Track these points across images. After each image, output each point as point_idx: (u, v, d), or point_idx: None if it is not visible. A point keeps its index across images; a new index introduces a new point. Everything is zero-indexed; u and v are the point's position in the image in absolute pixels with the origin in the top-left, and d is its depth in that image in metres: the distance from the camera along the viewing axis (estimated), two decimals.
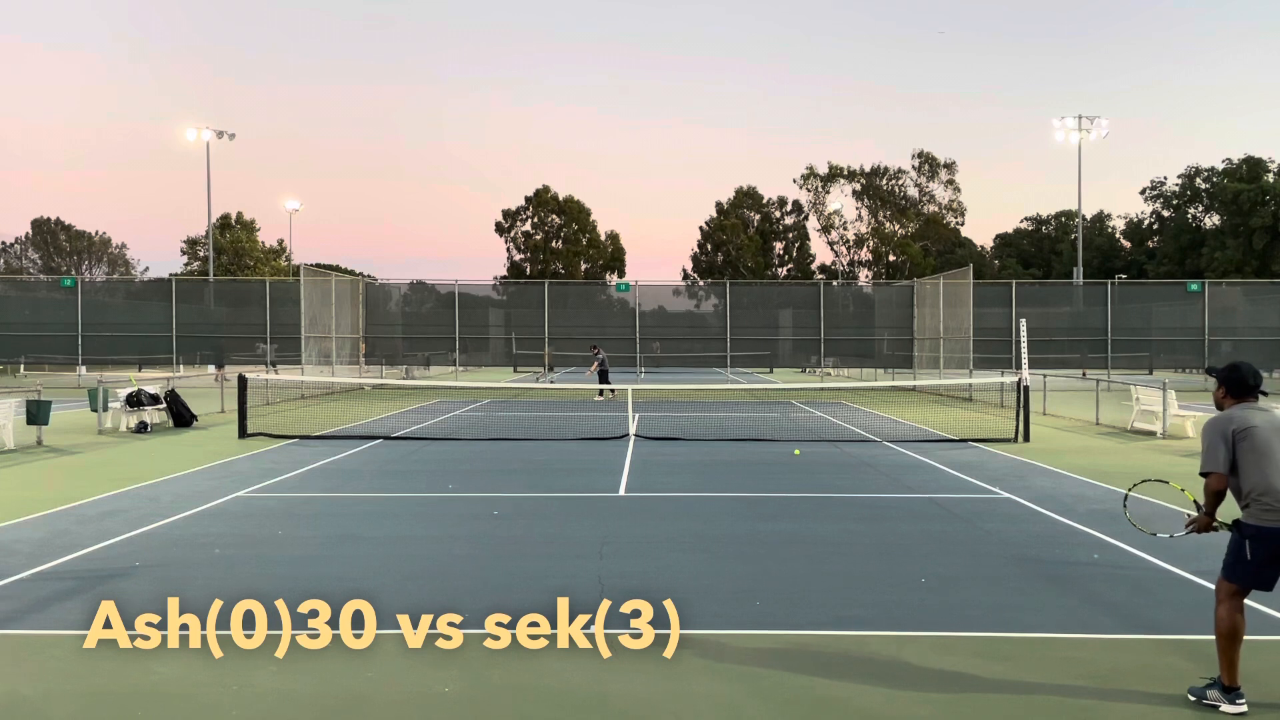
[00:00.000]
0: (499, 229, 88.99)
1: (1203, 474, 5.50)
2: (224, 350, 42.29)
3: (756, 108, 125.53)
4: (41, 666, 5.92)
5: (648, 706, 5.30)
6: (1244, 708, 5.27)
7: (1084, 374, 35.08)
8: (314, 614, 6.97)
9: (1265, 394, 5.55)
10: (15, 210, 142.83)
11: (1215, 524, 5.55)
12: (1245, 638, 6.39)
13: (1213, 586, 7.61)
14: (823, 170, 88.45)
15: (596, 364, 30.48)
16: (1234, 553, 5.49)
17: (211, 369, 40.14)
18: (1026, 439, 17.76)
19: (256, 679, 5.68)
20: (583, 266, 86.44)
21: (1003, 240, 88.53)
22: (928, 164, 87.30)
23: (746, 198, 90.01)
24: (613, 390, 29.07)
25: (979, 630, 6.63)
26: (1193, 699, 5.39)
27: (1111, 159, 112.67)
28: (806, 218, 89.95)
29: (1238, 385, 5.62)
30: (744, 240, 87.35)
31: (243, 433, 18.21)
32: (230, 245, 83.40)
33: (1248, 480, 5.42)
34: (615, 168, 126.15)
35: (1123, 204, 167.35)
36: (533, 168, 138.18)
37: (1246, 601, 7.19)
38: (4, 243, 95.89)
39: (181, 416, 20.39)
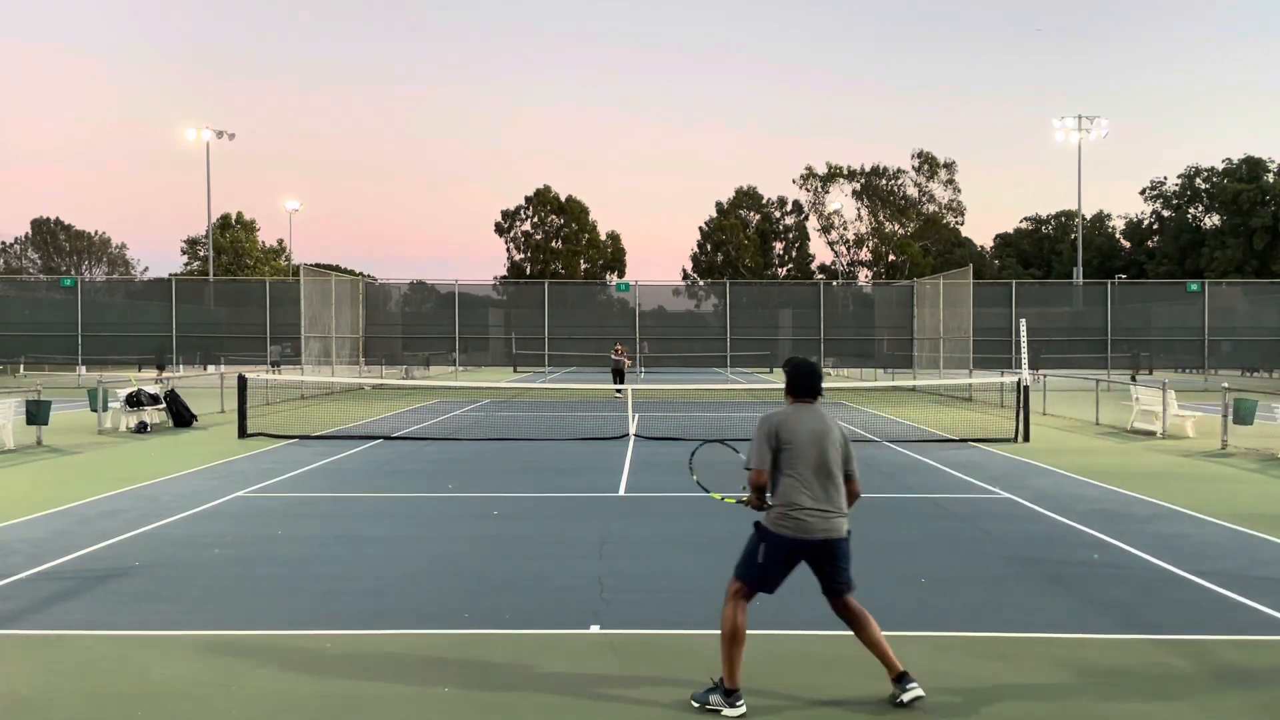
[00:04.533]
0: (499, 229, 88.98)
1: (746, 469, 5.59)
2: (164, 350, 40.63)
3: (756, 108, 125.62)
4: (41, 666, 5.91)
5: (648, 706, 5.29)
6: (743, 709, 5.17)
7: (1134, 376, 34.63)
8: (314, 614, 6.98)
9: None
10: (15, 210, 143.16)
11: (764, 506, 5.59)
12: (1248, 638, 6.42)
13: (1213, 587, 7.64)
14: (822, 170, 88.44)
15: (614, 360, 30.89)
16: (749, 552, 5.57)
17: (155, 373, 36.44)
18: (1026, 439, 17.76)
19: (256, 679, 5.68)
20: (582, 266, 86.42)
21: (1003, 240, 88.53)
22: (928, 164, 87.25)
23: (746, 198, 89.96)
24: (619, 391, 29.19)
25: (979, 630, 6.63)
26: (696, 705, 5.24)
27: (1111, 159, 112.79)
28: (806, 218, 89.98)
29: (793, 385, 5.65)
30: (744, 240, 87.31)
31: (243, 433, 18.21)
32: (230, 245, 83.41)
33: (777, 485, 5.50)
34: (615, 167, 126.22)
35: (1123, 204, 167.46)
36: (533, 167, 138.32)
37: (1251, 602, 7.23)
38: (4, 243, 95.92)
39: (181, 416, 20.39)
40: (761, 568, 5.50)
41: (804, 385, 5.62)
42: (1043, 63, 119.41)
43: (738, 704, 5.18)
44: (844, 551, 5.52)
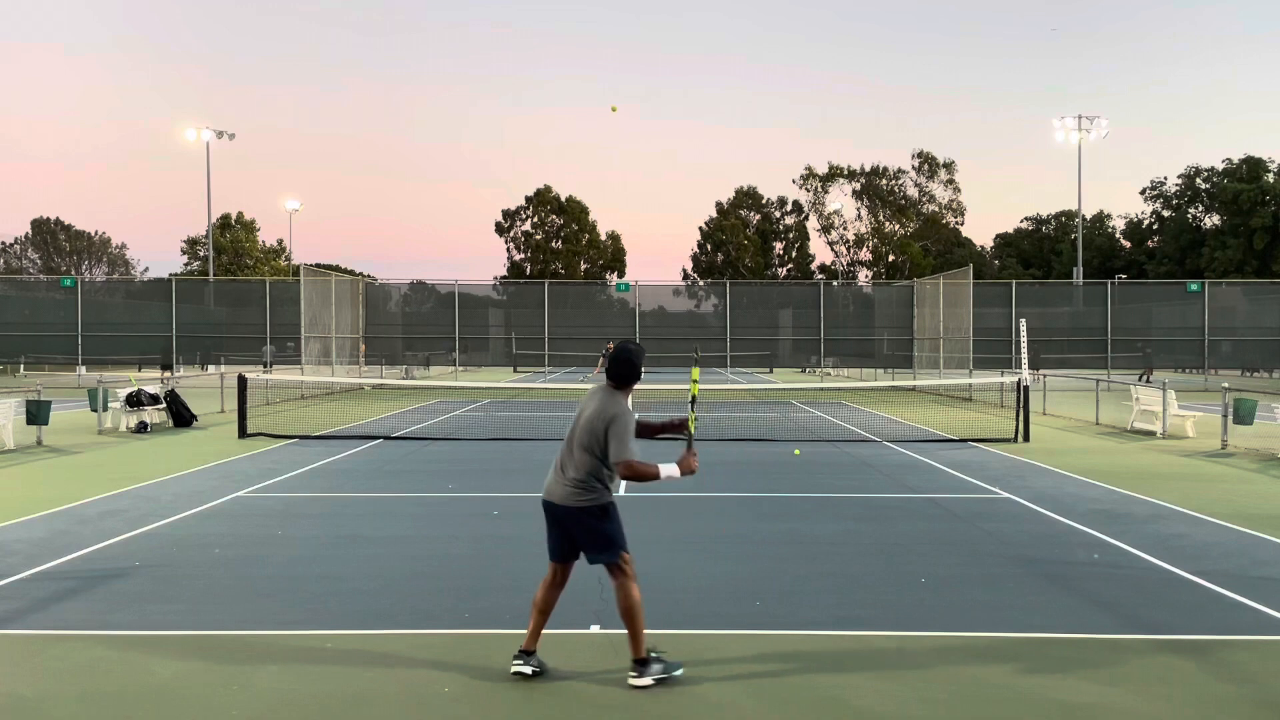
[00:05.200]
0: (499, 229, 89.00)
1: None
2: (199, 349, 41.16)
3: (757, 108, 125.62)
4: (41, 666, 5.91)
5: (647, 707, 5.29)
6: (520, 668, 5.67)
7: (1147, 377, 34.81)
8: (314, 614, 6.98)
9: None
10: (15, 210, 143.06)
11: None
12: (1248, 638, 6.47)
13: (1213, 587, 7.65)
14: (822, 170, 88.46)
15: (602, 360, 31.23)
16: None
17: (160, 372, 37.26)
18: (1026, 439, 17.76)
19: (256, 679, 5.68)
20: (583, 266, 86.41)
21: (1003, 240, 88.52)
22: (927, 164, 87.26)
23: (746, 198, 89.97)
24: None
25: (979, 630, 6.62)
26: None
27: (1111, 159, 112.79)
28: (806, 218, 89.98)
29: (608, 368, 5.90)
30: (744, 240, 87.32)
31: (243, 433, 18.20)
32: (230, 245, 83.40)
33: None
34: (615, 167, 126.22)
35: (1123, 204, 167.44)
36: (533, 167, 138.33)
37: (1251, 602, 7.25)
38: (4, 243, 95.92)
39: (181, 416, 20.38)
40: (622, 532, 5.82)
41: (612, 370, 5.86)
42: (1043, 63, 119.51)
43: (529, 664, 5.68)
44: (571, 517, 5.77)
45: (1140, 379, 35.45)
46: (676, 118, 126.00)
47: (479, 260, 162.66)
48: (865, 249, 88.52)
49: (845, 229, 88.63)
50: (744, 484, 12.91)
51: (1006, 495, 12.02)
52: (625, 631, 5.63)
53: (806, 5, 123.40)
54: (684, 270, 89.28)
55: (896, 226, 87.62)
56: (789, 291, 51.17)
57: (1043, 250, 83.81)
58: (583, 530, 5.73)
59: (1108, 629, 6.64)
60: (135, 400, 19.41)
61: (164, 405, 20.28)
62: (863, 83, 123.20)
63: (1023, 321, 21.34)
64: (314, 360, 31.37)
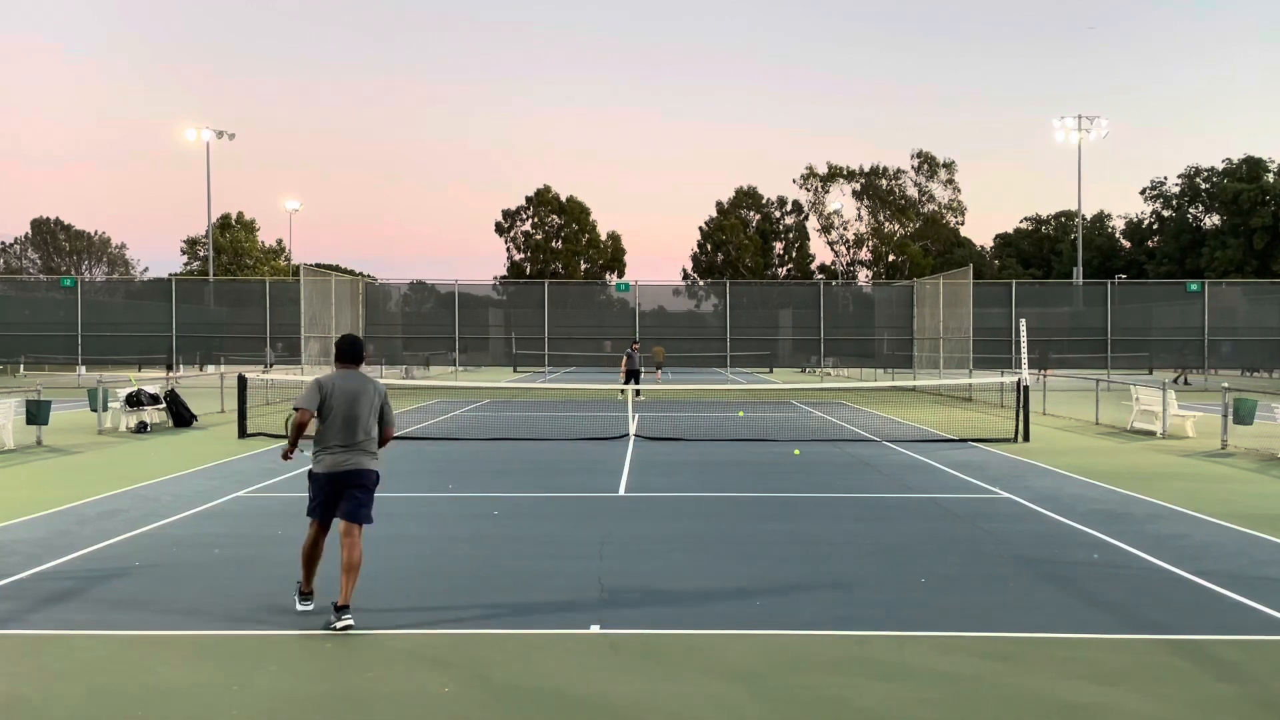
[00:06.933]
0: (499, 229, 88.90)
1: (295, 409, 6.79)
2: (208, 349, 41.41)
3: (757, 107, 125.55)
4: (41, 666, 5.92)
5: (648, 707, 5.29)
6: (310, 607, 6.81)
7: (1183, 378, 34.98)
8: (315, 614, 6.98)
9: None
10: (15, 210, 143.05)
11: (291, 457, 6.89)
12: (1248, 638, 6.49)
13: (1213, 587, 7.66)
14: (822, 170, 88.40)
15: (625, 360, 30.89)
16: (310, 494, 6.91)
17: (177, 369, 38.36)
18: (1026, 439, 17.76)
19: (256, 679, 5.68)
20: (582, 266, 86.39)
21: (1003, 240, 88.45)
22: (927, 164, 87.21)
23: (746, 197, 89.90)
24: (637, 391, 29.07)
25: (979, 630, 6.62)
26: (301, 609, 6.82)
27: (1111, 159, 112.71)
28: (806, 218, 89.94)
29: (338, 354, 7.09)
30: (744, 240, 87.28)
31: (242, 433, 18.21)
32: (230, 245, 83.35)
33: (324, 432, 6.78)
34: (615, 167, 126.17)
35: (1123, 204, 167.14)
36: (533, 167, 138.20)
37: (1251, 602, 7.27)
38: (4, 243, 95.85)
39: (181, 416, 20.38)
40: (314, 501, 6.85)
41: (345, 353, 7.02)
42: (1042, 63, 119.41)
43: (306, 602, 6.85)
44: (364, 484, 6.86)
45: (1177, 380, 35.75)
46: (676, 118, 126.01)
47: (479, 260, 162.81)
48: (865, 249, 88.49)
49: (845, 229, 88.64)
50: (744, 484, 12.91)
51: (1006, 495, 12.02)
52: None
53: (807, 5, 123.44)
54: (684, 270, 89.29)
55: (896, 226, 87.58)
56: (789, 291, 51.17)
57: (1043, 250, 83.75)
58: (365, 490, 6.85)
59: (1108, 629, 6.64)
60: (135, 400, 19.41)
61: (164, 405, 20.28)
62: (862, 82, 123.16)
63: (1023, 321, 21.34)
64: (314, 360, 31.37)
